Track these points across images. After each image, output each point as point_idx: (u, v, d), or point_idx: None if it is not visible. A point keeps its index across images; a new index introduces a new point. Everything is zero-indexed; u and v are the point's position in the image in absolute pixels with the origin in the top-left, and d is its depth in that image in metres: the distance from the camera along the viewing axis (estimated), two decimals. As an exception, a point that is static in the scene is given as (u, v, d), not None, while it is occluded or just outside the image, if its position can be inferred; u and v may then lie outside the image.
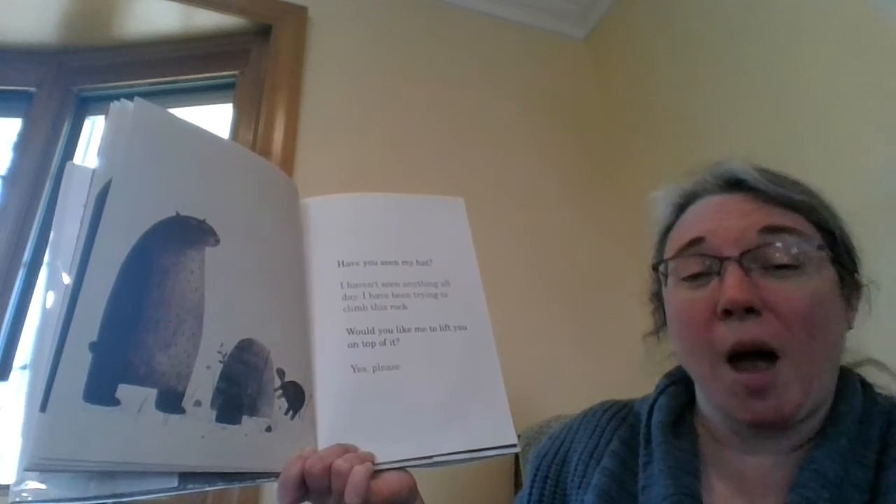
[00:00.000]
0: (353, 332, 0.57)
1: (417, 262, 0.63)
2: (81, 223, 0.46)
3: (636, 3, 1.65)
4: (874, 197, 0.94)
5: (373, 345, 0.57)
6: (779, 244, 0.49)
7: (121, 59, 1.46)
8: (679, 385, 0.62)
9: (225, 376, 0.48)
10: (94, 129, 1.47)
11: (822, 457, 0.47)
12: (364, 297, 0.59)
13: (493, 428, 0.57)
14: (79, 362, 0.41)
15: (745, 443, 0.54)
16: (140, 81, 1.46)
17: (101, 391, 0.41)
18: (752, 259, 0.49)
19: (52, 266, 0.47)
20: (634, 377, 0.66)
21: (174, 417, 0.44)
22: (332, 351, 0.56)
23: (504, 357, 0.65)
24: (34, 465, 0.38)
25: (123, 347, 0.43)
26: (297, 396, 0.53)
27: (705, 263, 0.52)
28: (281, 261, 0.58)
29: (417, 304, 0.61)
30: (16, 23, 1.38)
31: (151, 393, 0.43)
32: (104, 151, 0.49)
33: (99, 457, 0.40)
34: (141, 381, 0.43)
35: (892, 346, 0.57)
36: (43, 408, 0.39)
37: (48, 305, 0.45)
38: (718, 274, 0.50)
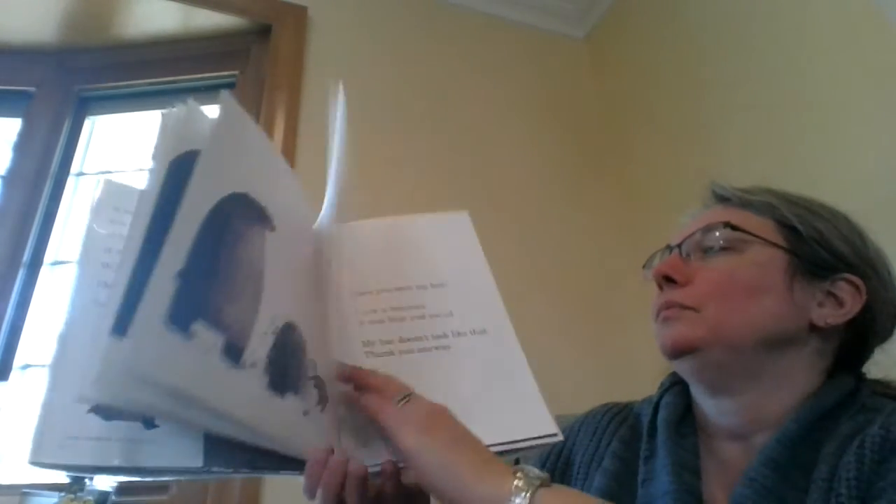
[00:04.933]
0: (368, 344, 0.58)
1: (431, 285, 0.64)
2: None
3: (636, 3, 1.65)
4: (874, 197, 0.94)
5: (391, 353, 0.58)
6: (709, 233, 0.59)
7: (121, 59, 1.47)
8: (683, 384, 0.63)
9: (276, 346, 0.48)
10: (94, 129, 1.47)
11: (773, 442, 0.51)
12: (381, 314, 0.60)
13: (528, 419, 0.55)
14: (165, 288, 0.41)
15: (713, 402, 0.58)
16: (140, 81, 1.46)
17: (181, 320, 0.42)
18: (688, 246, 0.60)
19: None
20: (633, 376, 0.66)
21: (234, 370, 0.44)
22: (348, 360, 0.57)
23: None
24: (117, 381, 0.39)
25: (203, 286, 0.44)
26: (323, 391, 0.54)
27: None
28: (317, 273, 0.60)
29: (431, 324, 0.61)
30: (16, 23, 1.38)
31: (220, 339, 0.44)
32: (184, 129, 0.51)
33: (171, 380, 0.40)
34: (214, 324, 0.44)
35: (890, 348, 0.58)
36: (122, 331, 0.39)
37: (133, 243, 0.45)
38: None
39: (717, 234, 0.58)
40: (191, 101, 0.54)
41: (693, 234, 0.60)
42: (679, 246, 0.61)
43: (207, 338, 0.43)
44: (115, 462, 0.42)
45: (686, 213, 0.67)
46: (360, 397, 0.51)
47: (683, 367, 0.59)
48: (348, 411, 0.55)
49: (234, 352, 0.45)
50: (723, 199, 0.63)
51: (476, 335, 0.61)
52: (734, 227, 0.58)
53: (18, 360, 1.16)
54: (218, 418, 0.43)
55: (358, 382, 0.52)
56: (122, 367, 0.38)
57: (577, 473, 0.65)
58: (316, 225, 0.63)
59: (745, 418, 0.55)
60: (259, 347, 0.47)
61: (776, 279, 0.56)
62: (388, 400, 0.49)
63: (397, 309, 0.61)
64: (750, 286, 0.55)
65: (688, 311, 0.56)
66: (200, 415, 0.42)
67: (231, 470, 0.46)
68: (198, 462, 0.44)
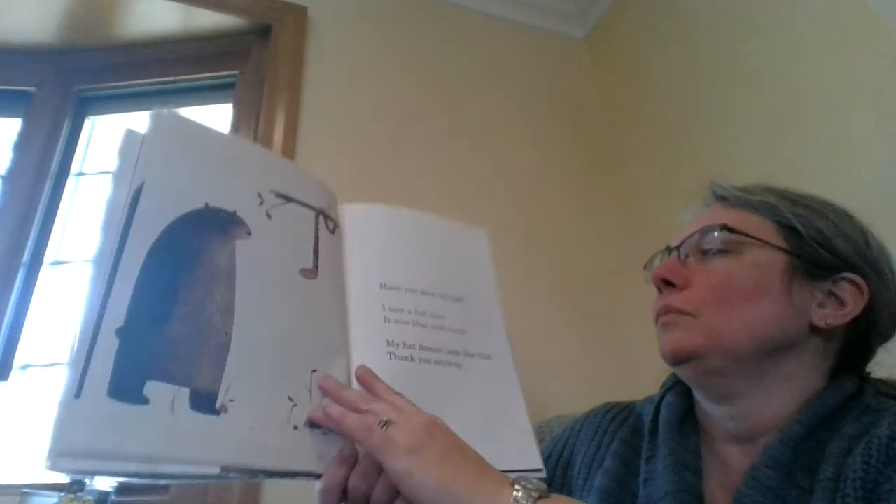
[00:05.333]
0: (392, 345, 0.57)
1: (454, 298, 0.63)
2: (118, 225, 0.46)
3: (636, 3, 1.65)
4: (874, 197, 0.94)
5: (411, 359, 0.57)
6: (706, 235, 0.59)
7: (121, 59, 1.46)
8: (685, 384, 0.62)
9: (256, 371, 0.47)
10: (94, 129, 1.47)
11: (776, 442, 0.51)
12: (406, 314, 0.59)
13: (518, 452, 0.56)
14: (107, 353, 0.40)
15: (715, 407, 0.57)
16: (140, 81, 1.46)
17: (127, 389, 0.41)
18: (687, 248, 0.60)
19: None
20: (633, 376, 0.66)
21: (211, 419, 0.43)
22: (371, 358, 0.55)
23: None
24: (66, 451, 0.38)
25: (150, 340, 0.43)
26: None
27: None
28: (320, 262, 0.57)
29: (448, 338, 0.60)
30: (16, 23, 1.38)
31: (183, 392, 0.42)
32: (140, 158, 0.50)
33: (135, 450, 0.40)
34: (170, 380, 0.42)
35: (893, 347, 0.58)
36: (77, 395, 0.39)
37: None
38: None
39: (716, 235, 0.58)
40: (169, 112, 0.51)
41: (691, 235, 0.60)
42: (678, 248, 0.60)
43: (166, 396, 0.41)
44: (134, 469, 0.40)
45: (686, 211, 0.66)
46: (341, 418, 0.48)
47: (684, 374, 0.59)
48: None
49: (205, 401, 0.43)
50: (722, 198, 0.63)
51: (483, 359, 0.61)
52: (731, 230, 0.57)
53: (18, 360, 1.16)
54: (208, 469, 0.42)
55: (333, 398, 0.50)
56: (74, 443, 0.37)
57: (579, 473, 0.64)
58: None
59: (747, 422, 0.55)
60: (236, 381, 0.45)
61: (774, 281, 0.55)
62: (370, 423, 0.46)
63: (421, 314, 0.60)
64: (747, 290, 0.55)
65: (685, 316, 0.56)
66: (186, 471, 0.41)
67: (248, 476, 0.45)
68: (214, 470, 0.43)
